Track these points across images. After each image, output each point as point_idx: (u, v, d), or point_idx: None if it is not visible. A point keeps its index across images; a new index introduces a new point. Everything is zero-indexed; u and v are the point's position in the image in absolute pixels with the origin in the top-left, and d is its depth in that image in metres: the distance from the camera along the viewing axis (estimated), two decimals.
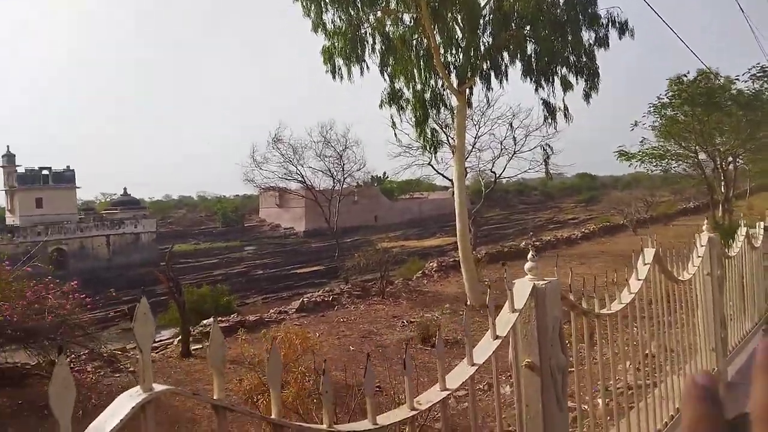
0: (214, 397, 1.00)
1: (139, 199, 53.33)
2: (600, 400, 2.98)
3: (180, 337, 11.32)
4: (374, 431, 1.28)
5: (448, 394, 1.49)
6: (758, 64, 19.13)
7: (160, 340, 13.20)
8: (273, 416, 1.09)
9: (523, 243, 24.84)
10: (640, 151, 21.87)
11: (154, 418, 0.90)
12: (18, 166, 42.48)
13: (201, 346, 11.32)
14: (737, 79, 19.37)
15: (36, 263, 13.00)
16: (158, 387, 0.90)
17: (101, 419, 0.88)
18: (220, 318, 13.03)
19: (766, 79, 19.02)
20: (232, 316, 13.41)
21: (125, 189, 51.93)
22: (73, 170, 44.78)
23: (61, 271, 23.74)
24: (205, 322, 12.63)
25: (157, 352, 11.79)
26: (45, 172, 43.01)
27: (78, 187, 45.41)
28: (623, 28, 13.70)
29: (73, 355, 9.85)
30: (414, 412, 1.39)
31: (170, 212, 65.31)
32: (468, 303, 13.18)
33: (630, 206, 29.28)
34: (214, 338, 0.99)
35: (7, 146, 42.91)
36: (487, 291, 1.86)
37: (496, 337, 1.72)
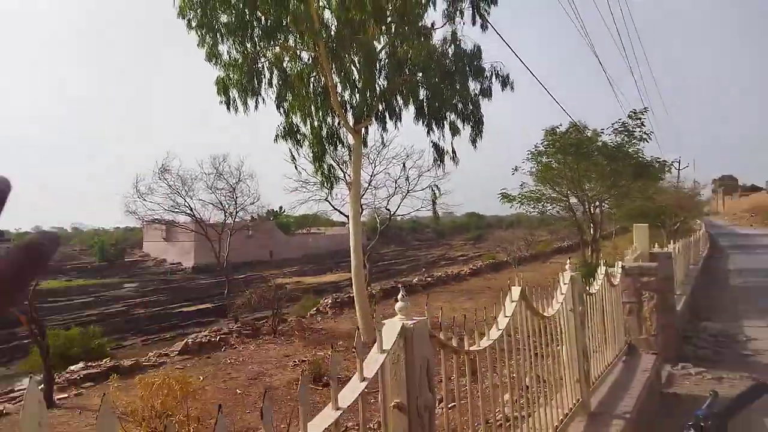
0: None
1: (3, 231, 47.79)
2: None
3: (41, 386, 10.13)
4: None
5: None
6: (620, 119, 21.64)
7: (20, 389, 11.75)
8: None
9: (416, 279, 25.46)
10: (520, 194, 23.54)
11: None
12: None
13: (67, 395, 10.24)
14: (603, 132, 21.74)
15: None
16: None
17: None
18: (90, 363, 11.89)
19: (626, 133, 21.51)
20: (104, 360, 12.26)
21: None
22: None
23: None
24: (72, 368, 11.45)
25: (14, 404, 10.46)
26: None
27: None
28: (505, 82, 14.86)
29: None
30: None
31: None
32: (363, 339, 13.16)
33: (513, 244, 31.31)
34: (29, 397, 0.89)
35: None
36: (377, 327, 1.88)
37: (364, 379, 1.74)
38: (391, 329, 1.95)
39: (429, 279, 24.89)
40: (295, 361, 12.36)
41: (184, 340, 13.75)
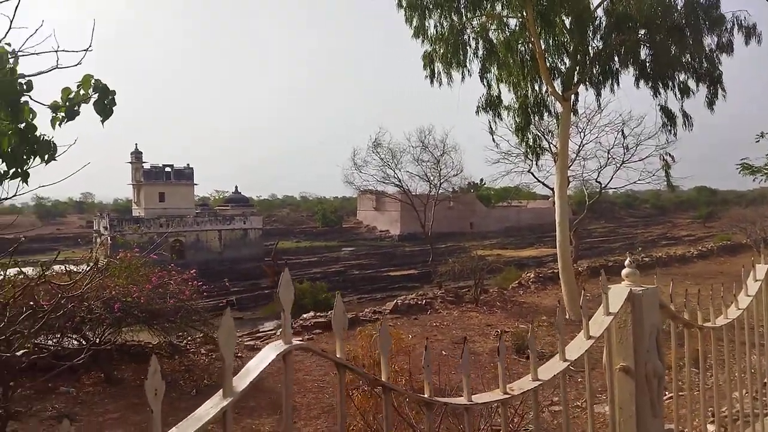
0: (337, 355, 1.20)
1: (248, 198, 56.94)
2: (710, 426, 2.86)
3: (281, 329, 12.05)
4: (468, 406, 1.42)
5: (539, 384, 1.59)
6: None
7: (264, 331, 14.10)
8: (383, 379, 1.28)
9: (630, 258, 23.43)
10: (766, 164, 19.84)
11: (292, 366, 1.11)
12: (144, 162, 46.96)
13: (301, 339, 11.96)
14: None
15: (160, 252, 14.37)
16: (296, 341, 1.11)
17: (251, 365, 1.10)
18: (319, 313, 13.68)
19: None
20: (329, 312, 13.96)
21: (236, 187, 55.72)
22: (192, 168, 48.76)
23: (180, 261, 26.02)
24: (304, 316, 13.30)
25: (261, 341, 12.62)
26: (167, 169, 47.24)
27: (196, 184, 49.36)
28: (750, 33, 12.66)
29: (189, 338, 10.74)
30: (506, 396, 1.51)
31: (275, 211, 69.08)
32: (567, 317, 12.75)
33: (754, 224, 26.65)
34: (337, 307, 1.19)
35: (135, 144, 47.68)
36: (603, 290, 1.90)
37: (590, 337, 1.79)
38: (618, 294, 1.94)
39: (647, 259, 22.70)
40: (497, 331, 12.55)
41: (395, 301, 14.90)
